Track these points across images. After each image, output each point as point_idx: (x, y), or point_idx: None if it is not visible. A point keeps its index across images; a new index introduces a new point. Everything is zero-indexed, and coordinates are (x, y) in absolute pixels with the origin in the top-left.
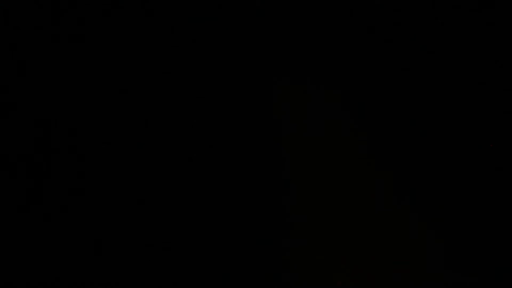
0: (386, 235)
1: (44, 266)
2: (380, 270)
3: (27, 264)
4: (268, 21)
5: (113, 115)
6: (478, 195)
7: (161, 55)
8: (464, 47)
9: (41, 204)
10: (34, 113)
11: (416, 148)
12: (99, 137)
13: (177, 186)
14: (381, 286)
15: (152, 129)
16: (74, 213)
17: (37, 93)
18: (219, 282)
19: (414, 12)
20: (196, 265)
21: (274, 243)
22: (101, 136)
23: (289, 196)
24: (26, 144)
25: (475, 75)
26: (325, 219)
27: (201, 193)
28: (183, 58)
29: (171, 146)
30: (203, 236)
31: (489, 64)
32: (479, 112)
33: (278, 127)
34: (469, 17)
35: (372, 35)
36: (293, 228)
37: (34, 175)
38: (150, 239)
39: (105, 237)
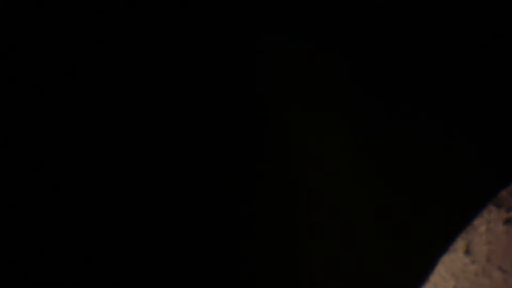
0: (386, 235)
1: (41, 266)
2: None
3: (27, 265)
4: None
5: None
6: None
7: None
8: (464, 47)
9: (37, 205)
10: (33, 113)
11: (417, 146)
12: (93, 135)
13: (175, 184)
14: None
15: (152, 129)
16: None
17: (36, 93)
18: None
19: (415, 12)
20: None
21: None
22: (95, 133)
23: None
24: (25, 143)
25: (475, 74)
26: (324, 217)
27: (197, 192)
28: (182, 58)
29: (171, 145)
30: (193, 233)
31: (490, 63)
32: (480, 112)
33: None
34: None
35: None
36: (288, 226)
37: (32, 174)
38: (151, 239)
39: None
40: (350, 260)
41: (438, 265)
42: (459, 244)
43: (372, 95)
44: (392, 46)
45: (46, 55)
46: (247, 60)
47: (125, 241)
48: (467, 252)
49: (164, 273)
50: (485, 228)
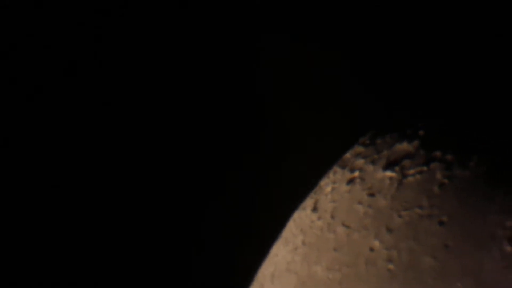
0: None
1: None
2: None
3: (27, 264)
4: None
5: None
6: None
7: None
8: (462, 46)
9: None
10: (33, 113)
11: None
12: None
13: (174, 183)
14: None
15: (151, 128)
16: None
17: (36, 93)
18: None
19: (414, 11)
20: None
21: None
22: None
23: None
24: (25, 143)
25: (473, 72)
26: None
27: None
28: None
29: (170, 145)
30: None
31: (489, 61)
32: (480, 110)
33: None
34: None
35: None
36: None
37: (32, 174)
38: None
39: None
40: None
41: (290, 221)
42: (308, 202)
43: (372, 95)
44: (392, 46)
45: (46, 55)
46: (247, 60)
47: (123, 240)
48: (314, 209)
49: (161, 271)
50: (330, 188)
